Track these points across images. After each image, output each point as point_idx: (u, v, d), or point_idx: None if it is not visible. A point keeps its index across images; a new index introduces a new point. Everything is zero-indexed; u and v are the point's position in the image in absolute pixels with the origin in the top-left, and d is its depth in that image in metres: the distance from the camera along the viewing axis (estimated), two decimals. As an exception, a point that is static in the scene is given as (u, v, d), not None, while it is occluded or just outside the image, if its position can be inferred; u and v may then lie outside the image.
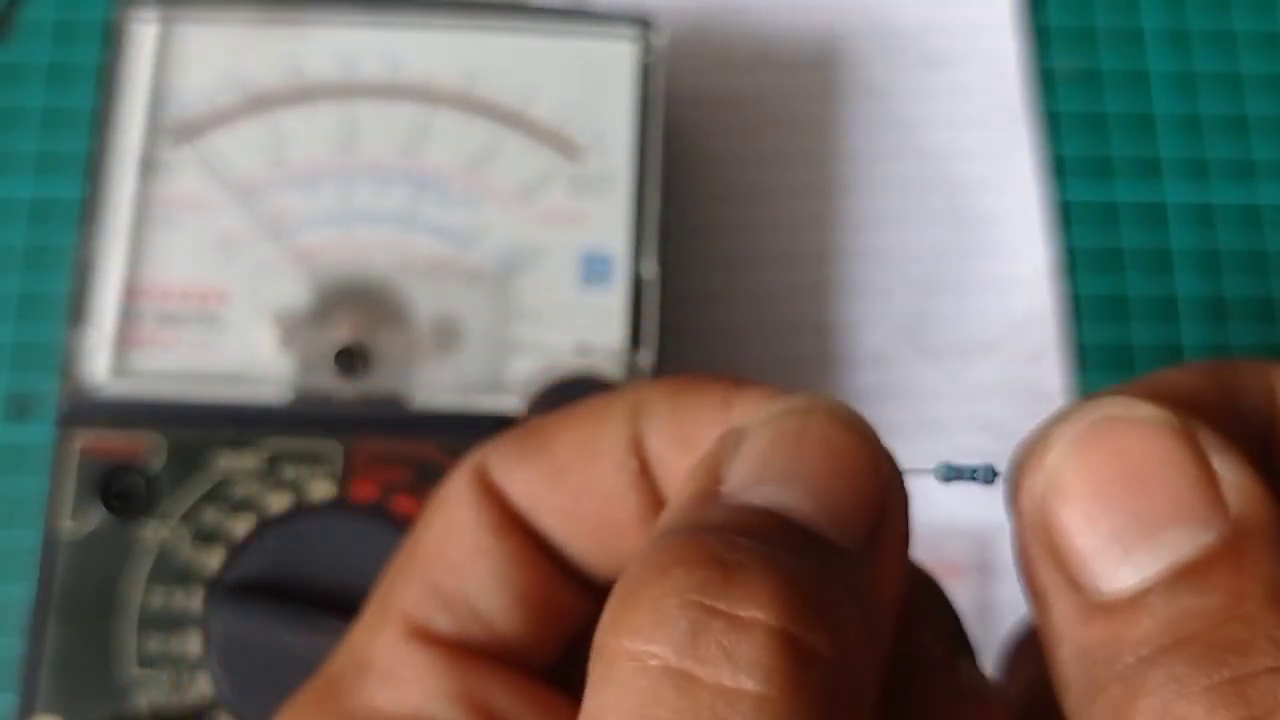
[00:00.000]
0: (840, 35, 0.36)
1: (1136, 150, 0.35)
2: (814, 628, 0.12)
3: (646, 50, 0.30)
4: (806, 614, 0.12)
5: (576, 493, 0.17)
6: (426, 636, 0.17)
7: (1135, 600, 0.13)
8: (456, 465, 0.17)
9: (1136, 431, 0.13)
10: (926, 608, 0.17)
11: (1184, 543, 0.13)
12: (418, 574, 0.17)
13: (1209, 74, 0.36)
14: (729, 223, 0.34)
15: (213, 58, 0.30)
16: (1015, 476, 0.14)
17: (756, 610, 0.12)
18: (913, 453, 0.35)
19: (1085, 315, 0.34)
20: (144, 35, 0.30)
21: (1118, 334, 0.34)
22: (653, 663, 0.12)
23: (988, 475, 0.16)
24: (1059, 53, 0.36)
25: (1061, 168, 0.35)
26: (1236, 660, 0.12)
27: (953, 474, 0.16)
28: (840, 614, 0.13)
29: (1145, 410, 0.13)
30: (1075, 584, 0.13)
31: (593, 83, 0.30)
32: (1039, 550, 0.14)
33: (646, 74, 0.30)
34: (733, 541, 0.13)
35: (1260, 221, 0.35)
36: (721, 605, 0.12)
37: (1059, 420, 0.14)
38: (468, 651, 0.16)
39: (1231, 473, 0.13)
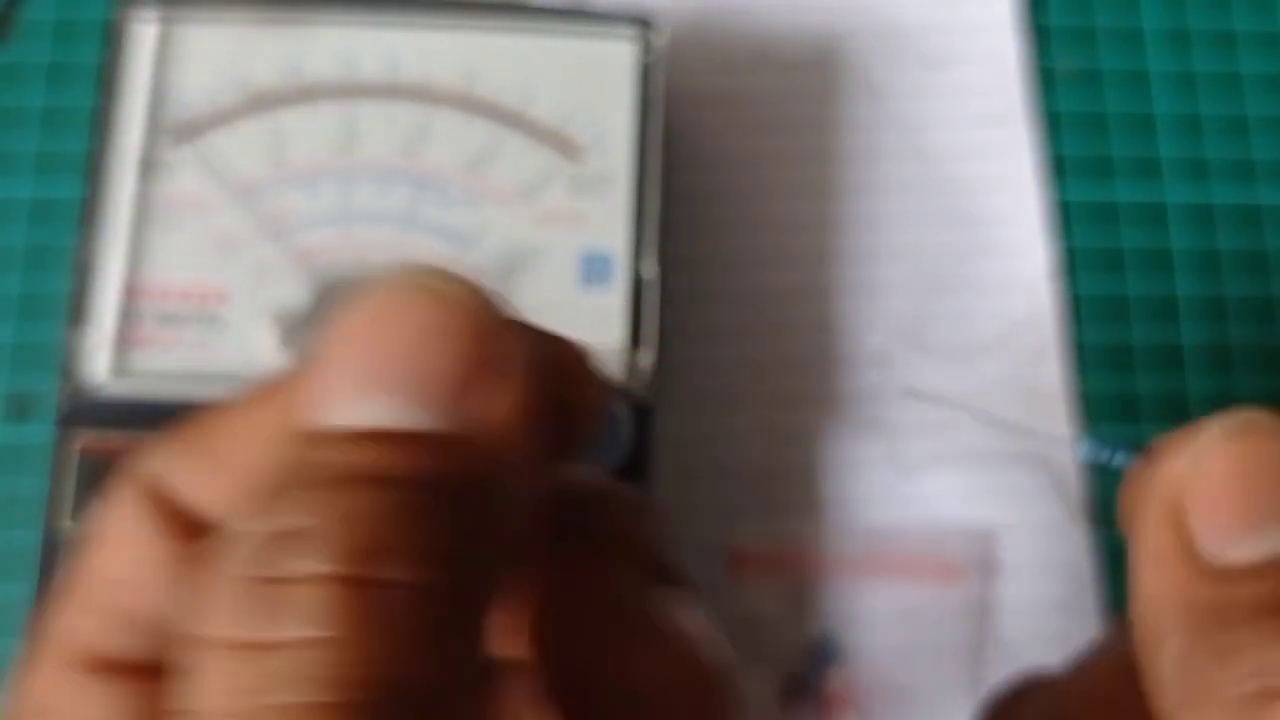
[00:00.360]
0: (840, 35, 0.36)
1: (1136, 150, 0.35)
2: (379, 561, 0.12)
3: (646, 50, 0.30)
4: (368, 551, 0.12)
5: (243, 474, 0.15)
6: (108, 665, 0.15)
7: (1252, 570, 0.15)
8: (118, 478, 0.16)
9: (1276, 440, 0.15)
10: (621, 534, 0.16)
11: None
12: (92, 600, 0.15)
13: (1209, 74, 0.36)
14: (729, 223, 0.34)
15: (213, 58, 0.30)
16: (1154, 458, 0.16)
17: (310, 565, 0.12)
18: (913, 453, 0.35)
19: (1085, 315, 0.34)
20: (144, 35, 0.30)
21: (1118, 334, 0.34)
22: (222, 642, 0.12)
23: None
24: (1059, 53, 0.36)
25: (1061, 168, 0.35)
26: None
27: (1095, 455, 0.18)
28: (424, 530, 0.13)
29: None
30: (1192, 551, 0.15)
31: (593, 83, 0.30)
32: (1164, 518, 0.15)
33: (646, 74, 0.30)
34: (286, 503, 0.13)
35: (1260, 221, 0.35)
36: (275, 573, 0.12)
37: (1211, 422, 0.16)
38: (158, 671, 0.15)
39: None
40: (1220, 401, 0.33)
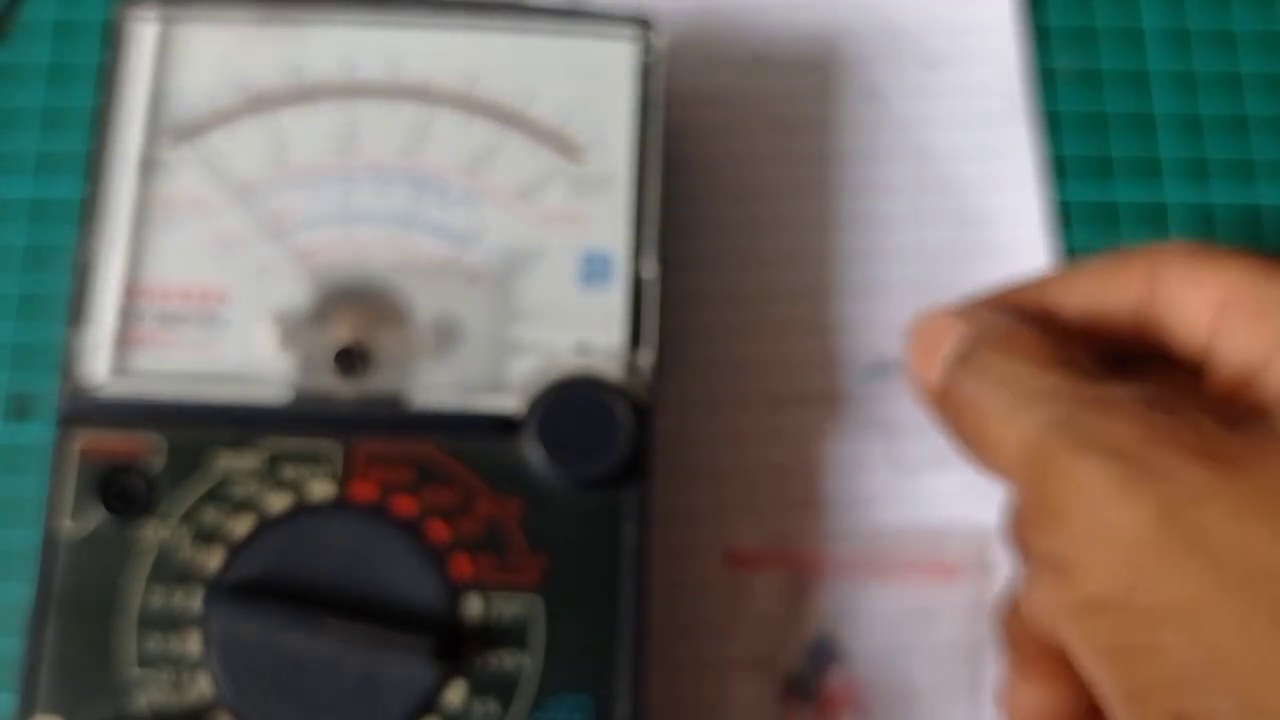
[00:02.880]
0: (840, 35, 0.36)
1: (1136, 150, 0.35)
2: None
3: (647, 50, 0.30)
4: None
5: None
6: None
7: (944, 381, 0.24)
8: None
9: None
10: None
11: (952, 347, 0.24)
12: None
13: (1209, 74, 0.36)
14: (729, 223, 0.34)
15: (213, 58, 0.30)
16: None
17: None
18: (912, 453, 0.35)
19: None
20: (144, 35, 0.30)
21: (1118, 334, 0.34)
22: None
23: None
24: (1059, 53, 0.36)
25: (1061, 168, 0.35)
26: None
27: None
28: None
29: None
30: (925, 381, 0.25)
31: (593, 83, 0.30)
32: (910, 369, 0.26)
33: (646, 74, 0.30)
34: None
35: (1260, 221, 0.35)
36: None
37: None
38: None
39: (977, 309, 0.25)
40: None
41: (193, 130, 0.29)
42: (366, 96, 0.30)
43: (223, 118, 0.30)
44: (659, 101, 0.30)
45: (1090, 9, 0.36)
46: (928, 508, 0.32)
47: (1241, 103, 0.36)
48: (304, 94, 0.30)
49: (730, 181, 0.35)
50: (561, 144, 0.30)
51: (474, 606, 0.26)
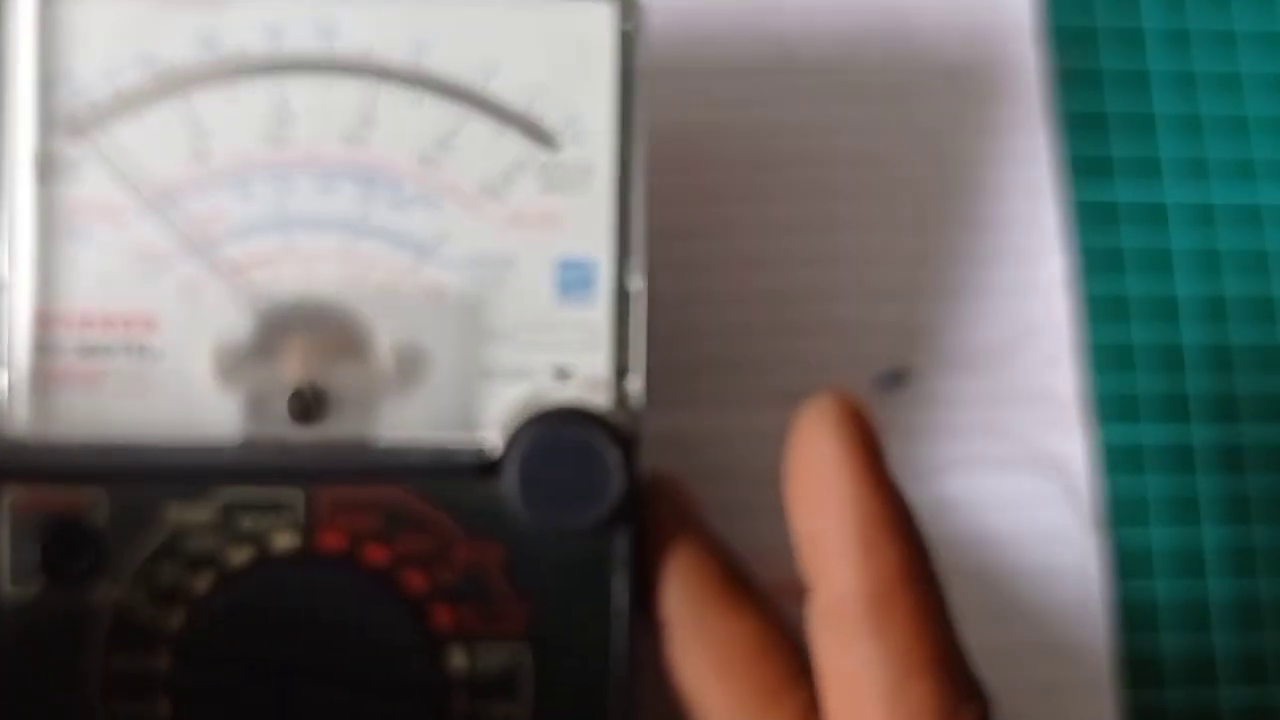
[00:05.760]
0: (855, 38, 0.34)
1: (1136, 150, 0.35)
2: None
3: (626, 15, 0.26)
4: None
5: None
6: None
7: None
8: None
9: None
10: None
11: None
12: None
13: (1209, 74, 0.35)
14: (730, 223, 0.33)
15: (111, 29, 0.25)
16: None
17: None
18: (920, 458, 0.34)
19: (1085, 316, 0.34)
20: (23, 5, 0.25)
21: (1117, 334, 0.34)
22: None
23: None
24: (1059, 52, 0.35)
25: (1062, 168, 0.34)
26: None
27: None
28: None
29: None
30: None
31: (564, 53, 0.26)
32: None
33: (627, 43, 0.26)
34: None
35: (1260, 221, 0.35)
36: None
37: None
38: None
39: None
40: (1220, 402, 0.34)
41: (93, 119, 0.25)
42: (297, 72, 0.26)
43: (127, 103, 0.25)
44: (643, 76, 0.26)
45: (1090, 9, 0.36)
46: (934, 513, 0.32)
47: (1241, 103, 0.35)
48: (222, 71, 0.25)
49: (731, 182, 0.33)
50: (529, 127, 0.26)
51: (458, 658, 0.25)
